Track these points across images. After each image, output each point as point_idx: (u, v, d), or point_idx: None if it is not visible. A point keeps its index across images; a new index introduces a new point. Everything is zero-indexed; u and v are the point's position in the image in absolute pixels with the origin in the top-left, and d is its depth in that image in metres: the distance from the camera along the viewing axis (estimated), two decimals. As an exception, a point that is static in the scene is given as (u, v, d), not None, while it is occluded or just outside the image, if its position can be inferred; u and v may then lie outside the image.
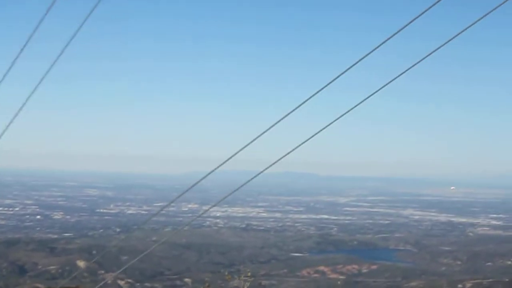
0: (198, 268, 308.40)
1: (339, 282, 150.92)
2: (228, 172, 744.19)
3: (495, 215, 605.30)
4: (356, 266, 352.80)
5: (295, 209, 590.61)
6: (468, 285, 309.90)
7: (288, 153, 17.49)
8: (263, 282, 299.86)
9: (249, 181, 17.19)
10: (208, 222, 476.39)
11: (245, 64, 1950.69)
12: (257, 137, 17.46)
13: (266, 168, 17.94)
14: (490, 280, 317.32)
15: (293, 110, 18.12)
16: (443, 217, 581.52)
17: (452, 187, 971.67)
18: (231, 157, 18.24)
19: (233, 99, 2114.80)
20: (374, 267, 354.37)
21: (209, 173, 18.61)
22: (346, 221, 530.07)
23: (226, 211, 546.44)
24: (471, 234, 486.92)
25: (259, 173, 17.07)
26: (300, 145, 18.44)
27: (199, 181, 18.59)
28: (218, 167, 18.17)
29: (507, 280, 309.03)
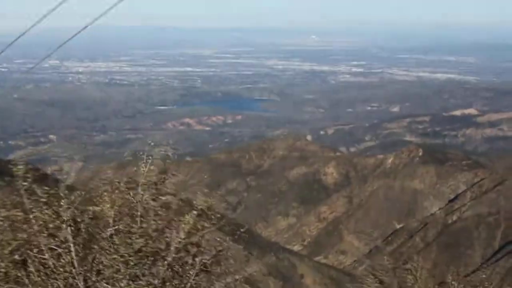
0: (62, 125, 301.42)
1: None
2: (92, 26, 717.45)
3: (355, 63, 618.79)
4: (221, 117, 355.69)
5: (159, 63, 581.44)
6: (330, 131, 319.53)
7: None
8: (129, 136, 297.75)
9: (76, 34, 13.68)
10: (70, 78, 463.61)
11: None
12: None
13: (98, 18, 14.33)
14: (351, 125, 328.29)
15: None
16: (305, 66, 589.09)
17: (313, 36, 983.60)
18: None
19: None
20: (239, 117, 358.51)
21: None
22: (210, 73, 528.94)
23: (88, 66, 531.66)
24: (333, 81, 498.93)
25: (85, 27, 13.55)
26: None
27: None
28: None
29: (367, 125, 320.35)
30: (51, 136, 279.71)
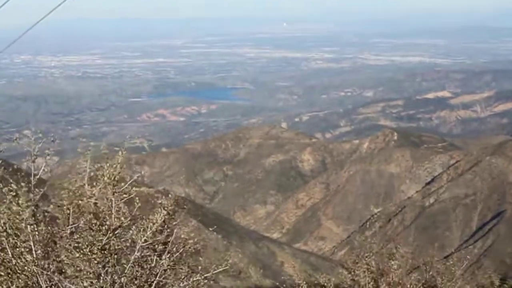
0: (37, 120, 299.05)
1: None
2: (64, 20, 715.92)
3: (328, 49, 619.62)
4: (195, 108, 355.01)
5: (131, 55, 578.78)
6: (305, 118, 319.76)
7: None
8: (104, 129, 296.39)
9: (29, 29, 13.13)
10: (43, 73, 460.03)
11: None
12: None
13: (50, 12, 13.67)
14: (326, 111, 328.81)
15: None
16: (278, 54, 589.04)
17: (284, 23, 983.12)
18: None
19: None
20: (213, 107, 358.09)
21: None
22: (183, 63, 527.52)
23: (60, 60, 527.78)
24: (305, 68, 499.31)
25: (40, 20, 13.01)
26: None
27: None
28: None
29: (341, 110, 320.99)
30: (26, 132, 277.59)
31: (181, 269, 9.35)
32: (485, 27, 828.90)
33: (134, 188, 9.53)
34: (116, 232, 8.81)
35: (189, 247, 9.84)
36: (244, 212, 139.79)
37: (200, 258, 9.94)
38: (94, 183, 9.35)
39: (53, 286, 8.74)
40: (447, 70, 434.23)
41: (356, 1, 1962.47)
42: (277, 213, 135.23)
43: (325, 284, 15.45)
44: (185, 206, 10.62)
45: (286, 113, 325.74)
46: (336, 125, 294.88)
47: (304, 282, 15.20)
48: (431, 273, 16.80)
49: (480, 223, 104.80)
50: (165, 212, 9.56)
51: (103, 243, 8.72)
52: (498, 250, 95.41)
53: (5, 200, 8.95)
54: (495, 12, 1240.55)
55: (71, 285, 8.74)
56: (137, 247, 8.97)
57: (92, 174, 9.52)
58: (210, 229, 55.67)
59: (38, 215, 8.87)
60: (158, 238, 9.14)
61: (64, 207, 9.18)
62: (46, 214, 8.97)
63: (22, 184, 9.05)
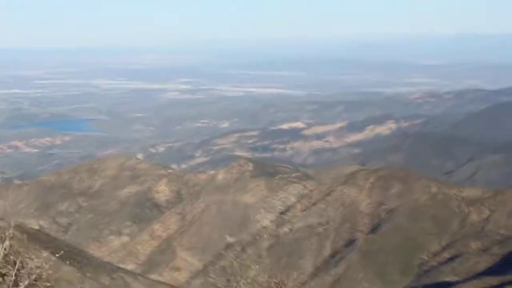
0: None
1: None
2: None
3: (183, 80, 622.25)
4: (49, 139, 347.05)
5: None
6: (161, 148, 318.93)
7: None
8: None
9: None
10: None
11: None
12: None
13: None
14: (182, 142, 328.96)
15: None
16: (134, 85, 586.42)
17: (142, 55, 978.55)
18: None
19: None
20: (67, 138, 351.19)
21: None
22: (38, 94, 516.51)
23: None
24: (162, 99, 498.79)
25: None
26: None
27: None
28: None
29: (197, 141, 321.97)
30: None
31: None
32: (337, 59, 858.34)
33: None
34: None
35: (40, 278, 9.30)
36: (99, 243, 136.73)
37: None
38: None
39: None
40: (301, 101, 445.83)
41: (215, 33, 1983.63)
42: (132, 244, 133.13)
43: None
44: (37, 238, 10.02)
45: (142, 144, 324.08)
46: (192, 156, 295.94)
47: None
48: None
49: (333, 252, 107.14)
50: (8, 244, 9.03)
51: None
52: (350, 277, 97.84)
53: None
54: (348, 45, 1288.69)
55: None
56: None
57: None
58: (67, 262, 54.11)
59: None
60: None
61: None
62: None
63: None
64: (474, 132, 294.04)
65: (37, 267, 9.62)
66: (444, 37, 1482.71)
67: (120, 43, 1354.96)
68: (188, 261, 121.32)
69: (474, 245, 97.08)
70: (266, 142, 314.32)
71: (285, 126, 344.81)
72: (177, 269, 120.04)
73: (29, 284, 9.35)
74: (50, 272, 9.72)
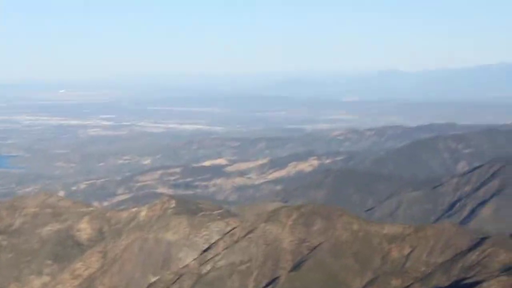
0: None
1: None
2: None
3: (105, 116, 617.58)
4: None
5: None
6: (82, 186, 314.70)
7: None
8: None
9: None
10: None
11: None
12: None
13: None
14: (104, 179, 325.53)
15: None
16: (54, 121, 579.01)
17: (61, 90, 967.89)
18: None
19: None
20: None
21: None
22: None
23: None
24: (83, 135, 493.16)
25: None
26: None
27: None
28: None
29: (119, 178, 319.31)
30: None
31: None
32: (261, 96, 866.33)
33: None
34: None
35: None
36: (19, 283, 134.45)
37: None
38: None
39: None
40: (223, 137, 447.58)
41: (136, 68, 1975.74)
42: (53, 284, 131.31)
43: None
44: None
45: (63, 181, 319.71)
46: (114, 193, 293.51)
47: None
48: None
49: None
50: None
51: None
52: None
53: None
54: (273, 81, 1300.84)
55: None
56: None
57: None
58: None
59: None
60: None
61: None
62: None
63: None
64: (395, 168, 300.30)
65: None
66: (367, 73, 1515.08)
67: (41, 78, 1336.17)
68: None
69: (395, 282, 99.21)
70: (188, 179, 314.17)
71: (207, 163, 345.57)
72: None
73: None
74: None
